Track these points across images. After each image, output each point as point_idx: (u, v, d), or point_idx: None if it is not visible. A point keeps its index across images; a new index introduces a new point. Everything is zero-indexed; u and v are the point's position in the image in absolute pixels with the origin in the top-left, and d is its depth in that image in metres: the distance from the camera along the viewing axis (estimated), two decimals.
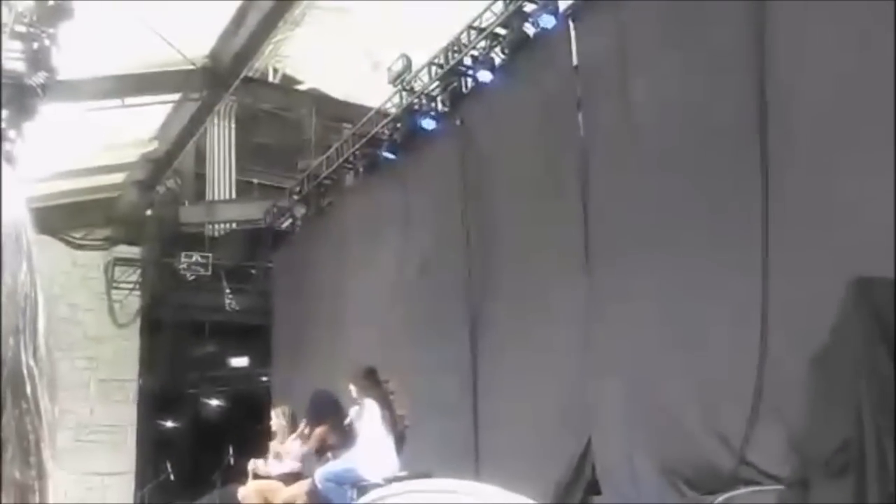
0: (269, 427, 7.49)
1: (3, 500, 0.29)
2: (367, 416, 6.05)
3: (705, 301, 5.19)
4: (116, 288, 11.37)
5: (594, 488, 5.85)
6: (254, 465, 7.14)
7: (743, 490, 4.76)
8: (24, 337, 0.32)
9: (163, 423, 11.65)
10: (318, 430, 6.71)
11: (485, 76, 7.80)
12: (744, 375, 4.87)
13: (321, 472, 6.10)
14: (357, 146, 9.55)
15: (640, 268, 5.68)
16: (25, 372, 0.32)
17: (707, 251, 5.23)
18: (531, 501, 1.14)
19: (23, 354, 0.32)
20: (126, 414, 11.23)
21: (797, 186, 4.81)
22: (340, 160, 9.91)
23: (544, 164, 6.74)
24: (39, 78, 7.01)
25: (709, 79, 5.43)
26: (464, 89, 8.20)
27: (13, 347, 0.31)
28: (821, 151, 4.72)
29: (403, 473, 5.49)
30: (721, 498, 4.83)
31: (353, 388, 6.27)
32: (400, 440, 6.11)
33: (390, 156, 9.02)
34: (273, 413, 7.50)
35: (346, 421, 6.33)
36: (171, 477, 9.54)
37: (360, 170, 9.77)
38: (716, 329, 5.13)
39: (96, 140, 9.80)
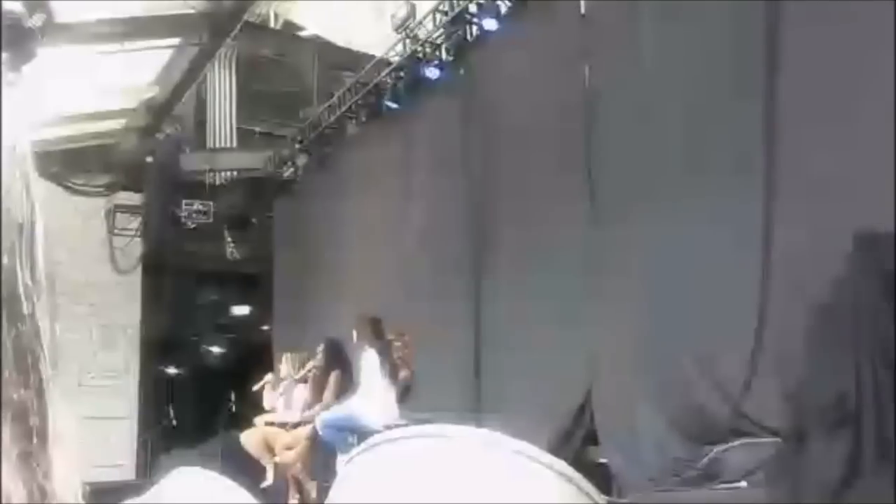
0: (273, 371, 7.59)
1: (1, 420, 0.29)
2: (366, 365, 6.11)
3: (708, 252, 5.19)
4: (118, 235, 11.37)
5: (592, 438, 5.92)
6: (269, 402, 7.25)
7: (739, 442, 4.81)
8: (21, 255, 0.31)
9: (165, 369, 11.77)
10: (333, 377, 6.77)
11: (490, 24, 7.68)
12: (743, 328, 4.89)
13: (322, 419, 6.18)
14: (359, 95, 9.45)
15: (643, 218, 5.67)
16: (22, 291, 0.31)
17: (711, 202, 5.21)
18: (528, 445, 1.13)
19: (19, 273, 0.31)
20: (128, 360, 11.33)
21: (802, 138, 4.77)
22: (343, 109, 9.81)
23: (549, 113, 6.67)
24: (38, 20, 6.89)
25: (717, 29, 5.34)
26: (469, 37, 8.08)
27: (8, 265, 0.30)
28: (828, 104, 4.66)
29: (403, 421, 5.56)
30: (717, 450, 4.88)
31: (354, 336, 6.33)
32: (404, 391, 6.18)
33: (393, 105, 8.93)
34: (283, 358, 7.57)
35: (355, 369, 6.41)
36: (174, 422, 9.67)
37: (363, 119, 9.68)
38: (717, 281, 5.13)
39: (96, 85, 9.69)
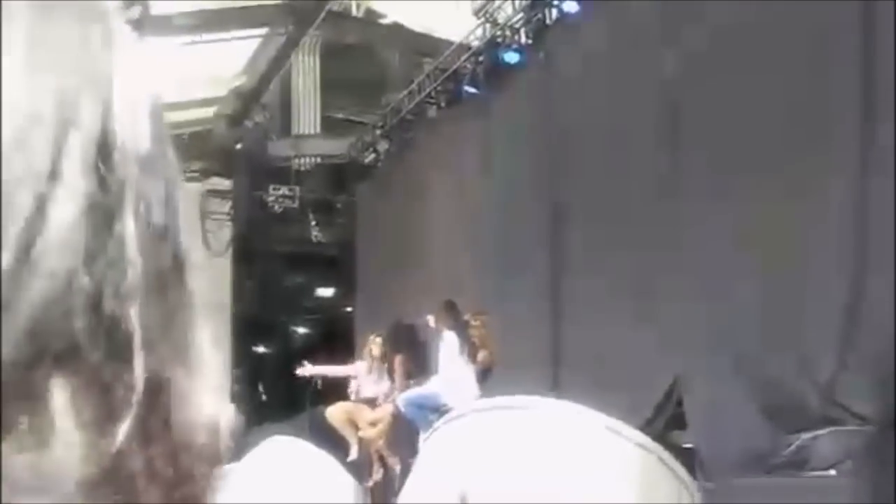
0: (354, 352, 7.81)
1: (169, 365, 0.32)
2: (445, 347, 6.23)
3: (798, 230, 5.04)
4: (210, 219, 11.82)
5: (676, 423, 5.85)
6: (355, 380, 7.46)
7: (828, 430, 4.68)
8: (175, 218, 0.34)
9: (255, 347, 12.20)
10: (398, 359, 6.93)
11: (570, 6, 7.60)
12: (836, 311, 4.75)
13: (404, 397, 6.33)
14: (439, 81, 9.52)
15: (731, 198, 5.53)
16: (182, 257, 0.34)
17: (806, 184, 5.05)
18: (609, 418, 1.17)
19: (180, 236, 0.34)
20: (220, 338, 11.76)
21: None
22: (423, 95, 9.90)
23: (630, 94, 6.58)
24: (134, 12, 7.23)
25: (805, 5, 5.16)
26: (548, 21, 8.02)
27: (173, 229, 0.33)
28: None
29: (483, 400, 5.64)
30: (805, 437, 4.77)
31: (432, 321, 6.45)
32: (485, 373, 6.27)
33: (472, 90, 8.96)
34: (372, 340, 7.75)
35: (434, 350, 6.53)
36: (264, 398, 10.05)
37: (443, 104, 9.75)
38: (807, 260, 4.98)
39: (188, 74, 10.07)
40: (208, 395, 0.35)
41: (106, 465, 0.29)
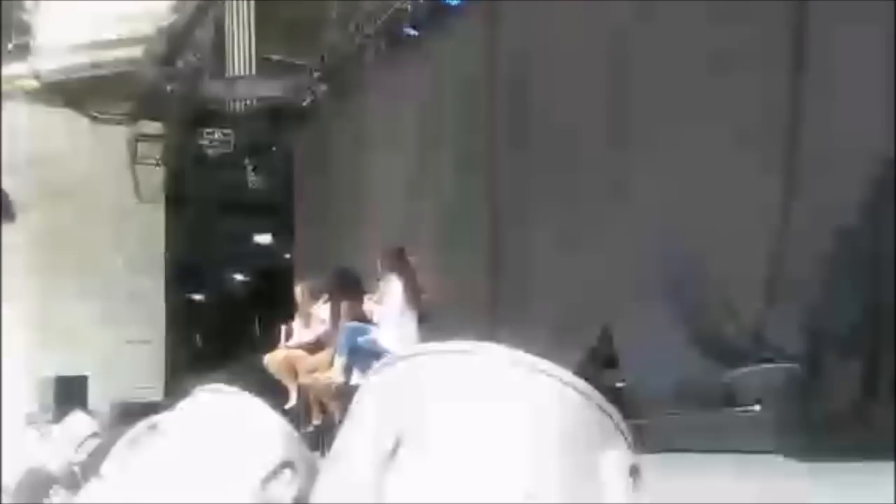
0: (293, 300, 7.72)
1: None
2: (390, 293, 6.22)
3: (727, 173, 5.12)
4: (141, 164, 11.44)
5: (609, 362, 6.00)
6: (284, 336, 7.41)
7: (755, 367, 4.85)
8: None
9: (190, 295, 11.99)
10: (344, 305, 6.88)
11: None
12: (763, 251, 4.87)
13: (342, 344, 6.31)
14: (378, 22, 9.30)
15: (665, 142, 5.60)
16: None
17: (734, 125, 5.13)
18: (549, 363, 1.17)
19: None
20: (154, 286, 11.54)
21: (830, 56, 4.64)
22: (361, 36, 9.67)
23: (575, 35, 6.52)
24: None
25: None
26: None
27: None
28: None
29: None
30: (732, 374, 4.93)
31: (379, 266, 6.40)
32: (423, 317, 6.29)
33: (413, 31, 8.78)
34: (297, 289, 7.70)
35: (374, 296, 6.50)
36: (199, 345, 9.93)
37: (382, 46, 9.55)
38: (737, 202, 5.08)
39: (113, 11, 9.61)
40: None
41: None
